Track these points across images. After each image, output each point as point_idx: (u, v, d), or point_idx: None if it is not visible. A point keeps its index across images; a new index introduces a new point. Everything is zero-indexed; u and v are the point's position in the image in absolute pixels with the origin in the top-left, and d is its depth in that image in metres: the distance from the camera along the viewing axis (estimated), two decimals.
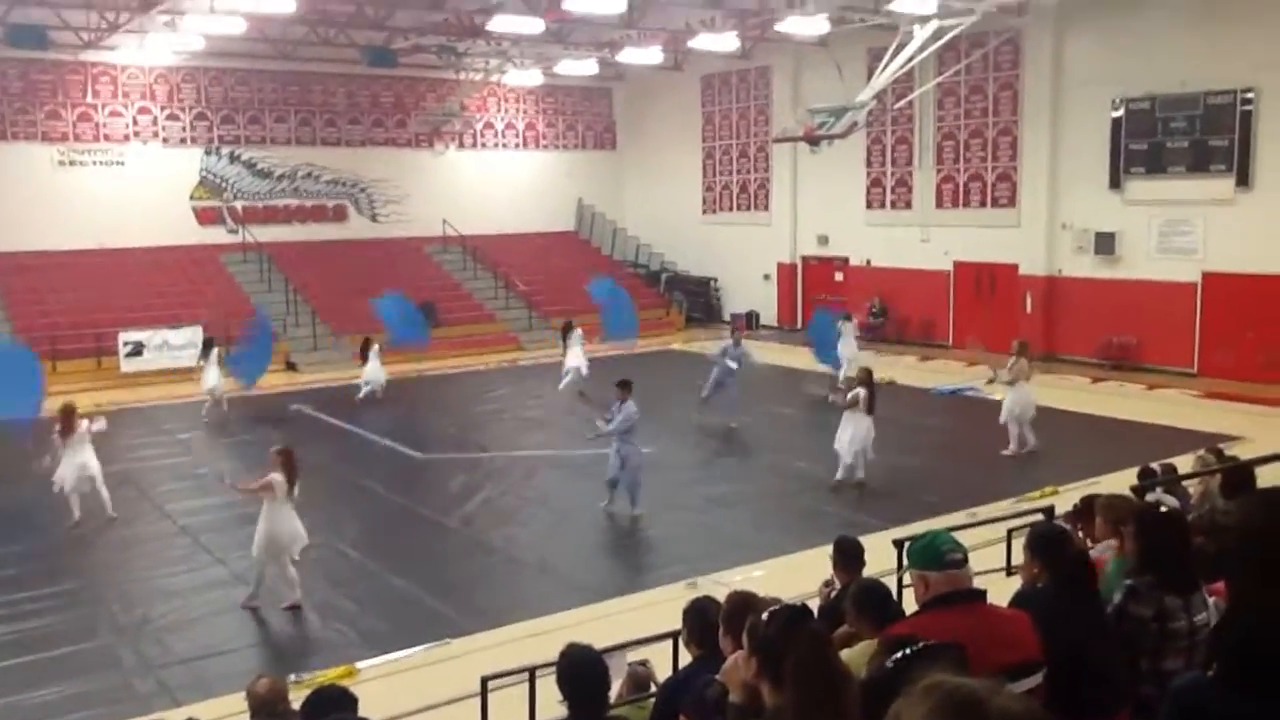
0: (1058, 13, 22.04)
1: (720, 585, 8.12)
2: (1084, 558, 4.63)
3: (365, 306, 25.64)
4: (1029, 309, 23.35)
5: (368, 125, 29.61)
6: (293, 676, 7.76)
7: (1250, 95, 19.55)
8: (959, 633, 3.36)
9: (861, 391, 13.53)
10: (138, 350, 22.62)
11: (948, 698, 1.83)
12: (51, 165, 25.28)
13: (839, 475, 13.58)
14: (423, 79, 29.66)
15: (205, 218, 27.40)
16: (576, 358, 20.00)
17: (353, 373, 21.61)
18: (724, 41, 24.78)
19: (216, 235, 27.42)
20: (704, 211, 31.61)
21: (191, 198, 27.24)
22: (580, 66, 28.59)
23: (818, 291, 28.32)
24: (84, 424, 12.80)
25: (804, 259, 29.01)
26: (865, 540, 6.79)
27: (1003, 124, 23.96)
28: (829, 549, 6.72)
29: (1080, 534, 6.31)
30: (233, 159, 27.74)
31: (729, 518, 12.78)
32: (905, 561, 6.87)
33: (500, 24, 22.35)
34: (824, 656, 2.96)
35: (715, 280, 31.38)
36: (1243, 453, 10.91)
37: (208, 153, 27.40)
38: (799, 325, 27.91)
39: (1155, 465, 9.35)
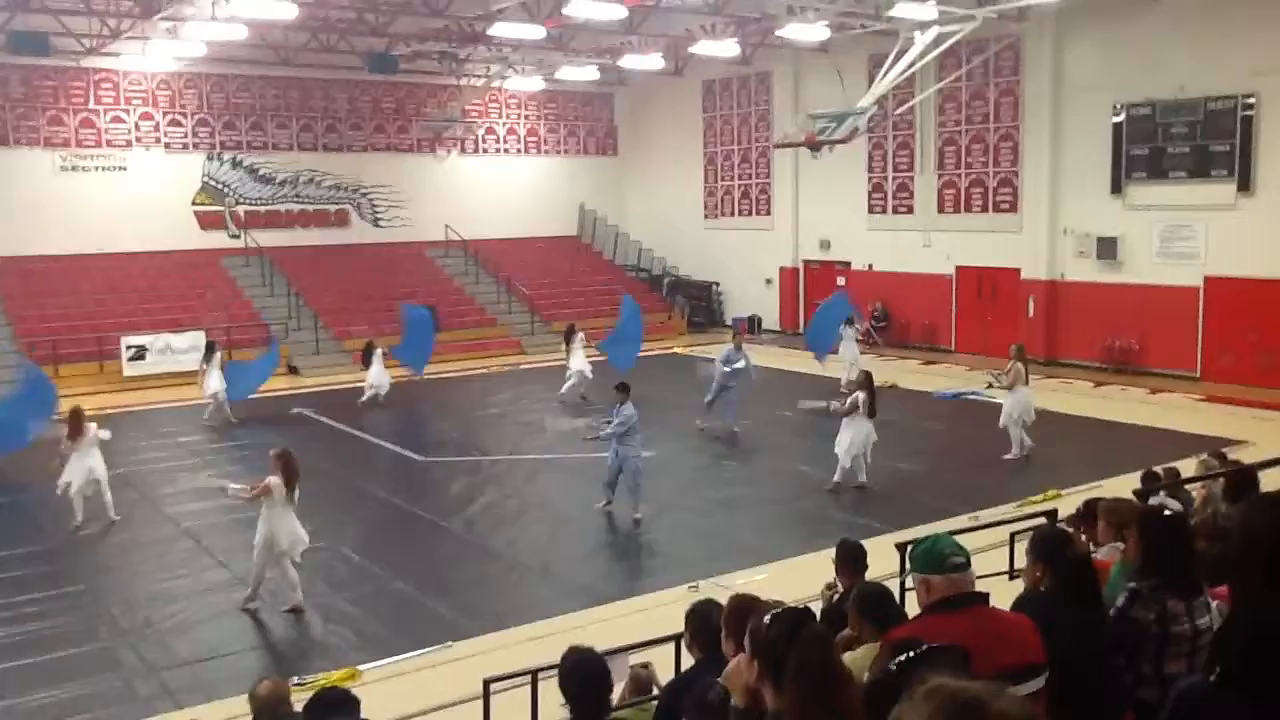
0: (1058, 19, 22.05)
1: (722, 588, 8.11)
2: (1087, 561, 4.62)
3: (367, 310, 25.79)
4: (1031, 313, 23.35)
5: (369, 131, 29.66)
6: (295, 679, 7.75)
7: (1251, 100, 19.56)
8: (961, 636, 3.36)
9: (861, 395, 13.54)
10: (140, 354, 22.66)
11: (949, 701, 1.83)
12: (53, 171, 25.33)
13: (836, 478, 13.60)
14: (424, 85, 29.71)
15: (207, 223, 27.44)
16: (579, 361, 20.02)
17: (354, 376, 21.66)
18: (725, 47, 24.83)
19: (218, 240, 27.47)
20: (706, 216, 31.63)
21: (193, 203, 27.28)
22: (581, 72, 28.63)
23: (820, 296, 28.25)
24: (92, 427, 12.87)
25: (806, 263, 29.02)
26: (867, 544, 6.78)
27: (1004, 129, 23.98)
28: (831, 552, 6.73)
29: (1083, 537, 6.31)
30: (235, 164, 27.79)
31: (731, 521, 12.78)
32: (908, 565, 6.87)
33: (501, 30, 22.40)
34: (826, 660, 2.95)
35: (717, 284, 31.39)
36: (1245, 456, 10.92)
37: (210, 158, 27.45)
38: (801, 329, 27.91)
39: (1158, 469, 9.36)
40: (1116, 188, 21.74)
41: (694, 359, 17.80)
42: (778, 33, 22.68)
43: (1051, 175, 22.93)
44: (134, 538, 12.52)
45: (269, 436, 16.00)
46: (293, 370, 23.78)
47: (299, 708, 5.09)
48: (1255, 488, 6.78)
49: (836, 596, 6.25)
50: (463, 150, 30.98)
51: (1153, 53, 20.68)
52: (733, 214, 30.89)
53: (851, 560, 6.45)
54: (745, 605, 3.73)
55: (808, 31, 22.00)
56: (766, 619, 3.11)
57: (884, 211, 26.74)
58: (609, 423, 12.76)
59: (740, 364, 17.23)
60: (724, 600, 4.12)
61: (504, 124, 31.85)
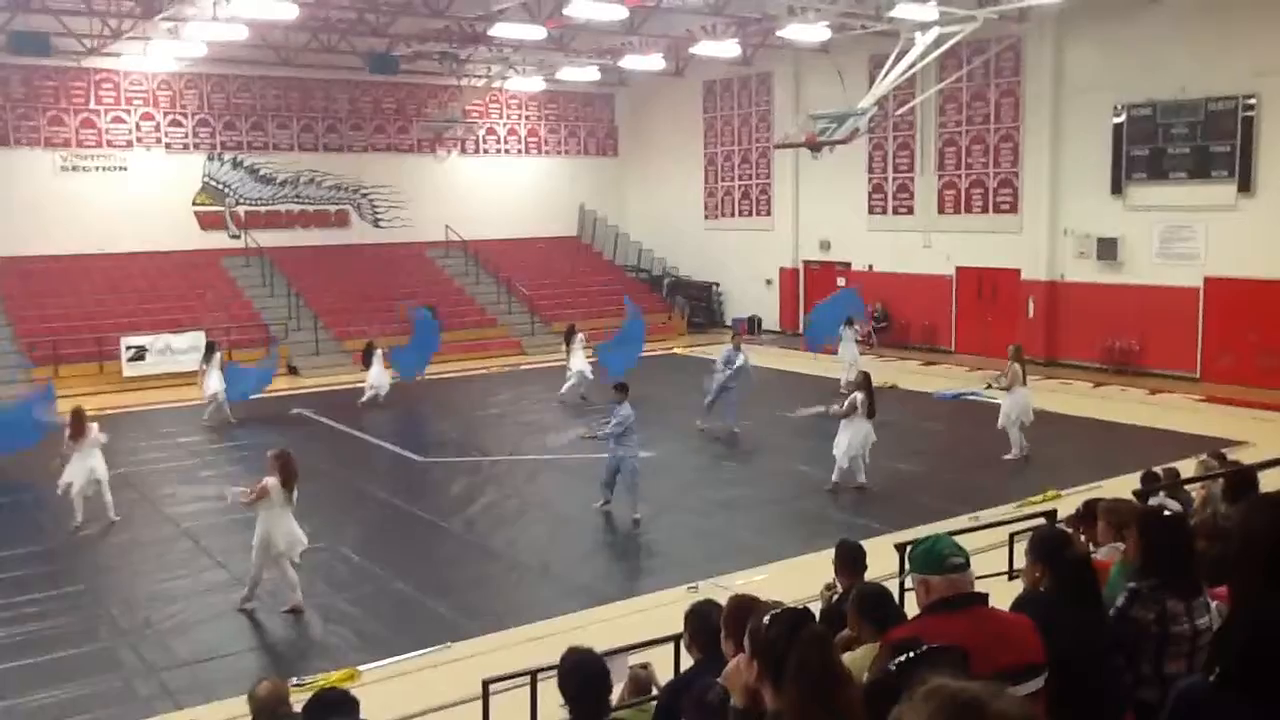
0: (1058, 20, 22.05)
1: (722, 588, 8.10)
2: (1086, 561, 4.62)
3: (367, 310, 25.79)
4: (1031, 314, 23.35)
5: (370, 131, 29.67)
6: (294, 679, 7.75)
7: (1252, 101, 19.55)
8: (961, 636, 3.36)
9: (859, 396, 13.54)
10: (140, 355, 22.65)
11: (949, 701, 1.83)
12: (54, 171, 25.33)
13: (834, 478, 13.62)
14: (424, 85, 29.72)
15: (207, 223, 27.45)
16: (579, 362, 20.03)
17: (354, 377, 21.66)
18: (725, 48, 24.83)
19: (219, 240, 27.47)
20: (706, 217, 31.63)
21: (194, 203, 27.28)
22: (582, 73, 28.64)
23: (820, 297, 28.27)
24: (94, 427, 12.88)
25: (806, 264, 29.01)
26: (867, 544, 6.79)
27: (1004, 130, 23.98)
28: (831, 553, 6.73)
29: (1083, 538, 6.31)
30: (235, 165, 27.79)
31: (731, 521, 12.78)
32: (907, 565, 6.86)
33: (502, 31, 22.39)
34: (826, 660, 2.95)
35: (717, 285, 31.39)
36: (1245, 457, 10.91)
37: (210, 159, 27.45)
38: (801, 330, 27.92)
39: (1158, 469, 9.36)
40: (1117, 188, 21.74)
41: (709, 370, 17.76)
42: (778, 33, 22.68)
43: (1052, 176, 22.94)
44: (134, 538, 12.52)
45: (269, 437, 16.00)
46: (293, 370, 23.79)
47: (298, 708, 5.09)
48: (1255, 488, 6.78)
49: (836, 597, 6.25)
50: (463, 151, 30.98)
51: (1153, 53, 20.68)
52: (733, 214, 30.89)
53: (851, 561, 6.45)
54: (745, 606, 3.72)
55: (808, 32, 22.00)
56: (766, 619, 3.11)
57: (884, 212, 26.74)
58: (608, 423, 12.79)
59: (739, 361, 17.25)
60: (723, 601, 4.12)
61: (504, 124, 31.86)
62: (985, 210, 24.52)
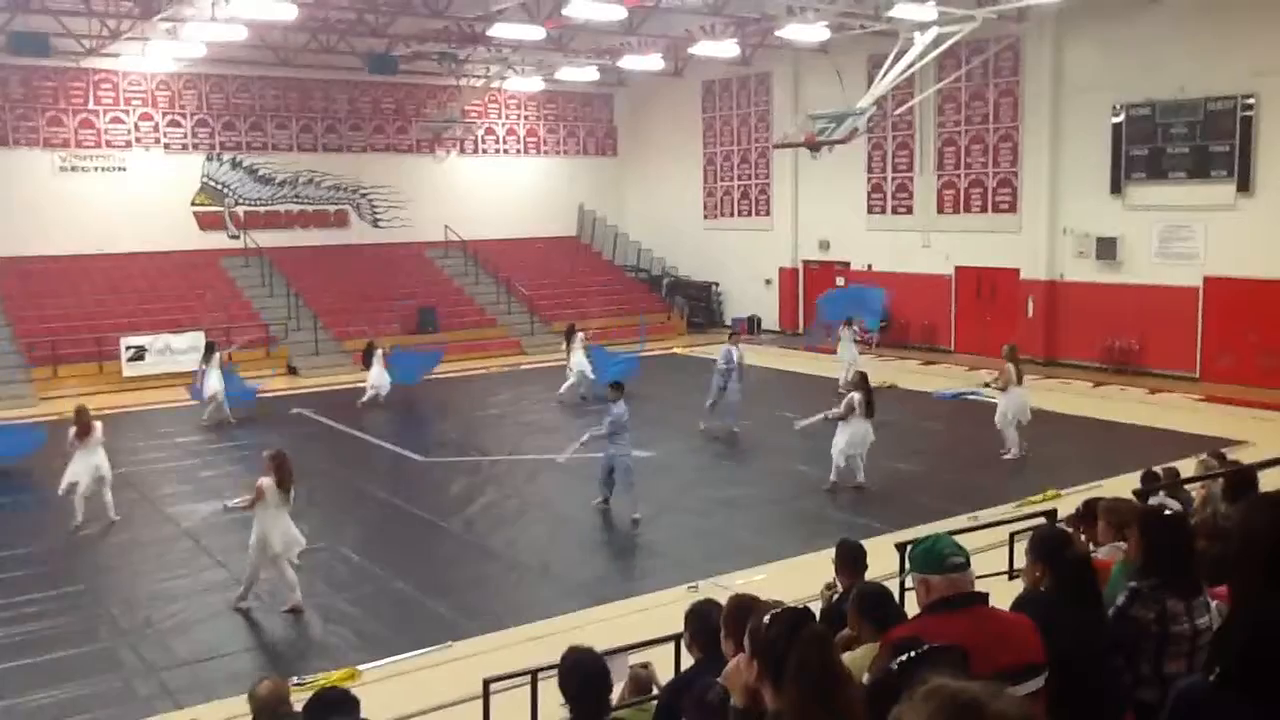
0: (1058, 19, 22.05)
1: (722, 588, 8.10)
2: (1086, 561, 4.63)
3: (367, 310, 25.78)
4: (1030, 314, 23.36)
5: (369, 131, 29.65)
6: (294, 679, 7.74)
7: (1251, 101, 19.56)
8: (961, 636, 3.36)
9: (857, 396, 13.55)
10: (140, 355, 22.64)
11: (949, 701, 1.84)
12: (53, 171, 25.32)
13: (832, 477, 13.63)
14: (424, 85, 29.70)
15: (207, 223, 27.43)
16: (579, 361, 20.04)
17: (354, 377, 21.65)
18: (724, 48, 24.84)
19: (218, 241, 27.45)
20: (705, 216, 31.63)
21: (193, 204, 27.26)
22: (581, 73, 28.64)
23: (819, 296, 28.30)
24: (99, 426, 12.90)
25: (805, 264, 29.01)
26: (867, 544, 6.78)
27: (1003, 130, 23.98)
28: (831, 552, 6.72)
29: (1083, 537, 6.31)
30: (234, 165, 27.78)
31: (731, 521, 12.78)
32: (907, 565, 6.87)
33: (501, 31, 22.39)
34: (826, 660, 2.95)
35: (717, 285, 31.39)
36: (1245, 457, 10.92)
37: (209, 159, 27.44)
38: (800, 330, 27.93)
39: (1158, 469, 9.36)
40: (1116, 188, 21.74)
41: (713, 372, 17.77)
42: (777, 33, 22.69)
43: (1051, 175, 22.94)
44: (134, 538, 12.52)
45: (268, 437, 16.00)
46: (292, 371, 23.78)
47: (299, 708, 5.09)
48: (1255, 488, 6.78)
49: (836, 596, 6.25)
50: (462, 151, 30.97)
51: (1152, 53, 20.68)
52: (732, 214, 30.89)
53: (851, 560, 6.45)
54: (745, 605, 3.73)
55: (807, 32, 22.01)
56: (766, 619, 3.11)
57: (883, 212, 26.74)
58: (600, 426, 12.82)
59: (735, 357, 17.28)
60: (723, 600, 4.13)
61: (503, 124, 31.85)
62: (984, 210, 24.52)
